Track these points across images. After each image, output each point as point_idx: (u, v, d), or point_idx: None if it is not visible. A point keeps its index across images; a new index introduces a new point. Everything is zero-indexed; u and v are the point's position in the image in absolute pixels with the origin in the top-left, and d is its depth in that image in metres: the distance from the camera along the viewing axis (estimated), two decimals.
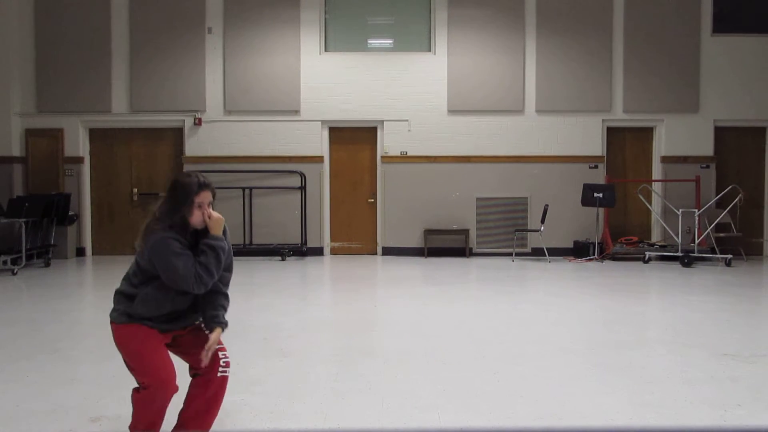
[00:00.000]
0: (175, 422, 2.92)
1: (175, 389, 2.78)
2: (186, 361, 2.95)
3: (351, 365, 4.30)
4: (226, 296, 2.97)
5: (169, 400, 2.79)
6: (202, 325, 2.96)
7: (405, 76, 10.54)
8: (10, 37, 10.24)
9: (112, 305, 2.88)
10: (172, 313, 2.85)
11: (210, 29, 10.45)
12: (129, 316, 2.79)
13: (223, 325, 2.89)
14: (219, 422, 3.08)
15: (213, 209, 2.88)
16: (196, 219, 2.82)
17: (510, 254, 10.44)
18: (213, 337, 2.83)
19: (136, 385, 2.83)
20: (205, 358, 2.80)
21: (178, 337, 2.93)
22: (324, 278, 8.71)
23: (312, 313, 6.25)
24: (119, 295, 2.87)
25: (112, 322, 2.84)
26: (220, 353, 2.89)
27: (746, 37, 10.59)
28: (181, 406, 2.91)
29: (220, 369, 2.88)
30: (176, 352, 2.94)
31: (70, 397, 3.66)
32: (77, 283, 8.35)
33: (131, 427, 2.85)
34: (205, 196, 2.83)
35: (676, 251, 9.66)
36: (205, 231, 2.87)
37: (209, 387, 2.87)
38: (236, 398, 3.55)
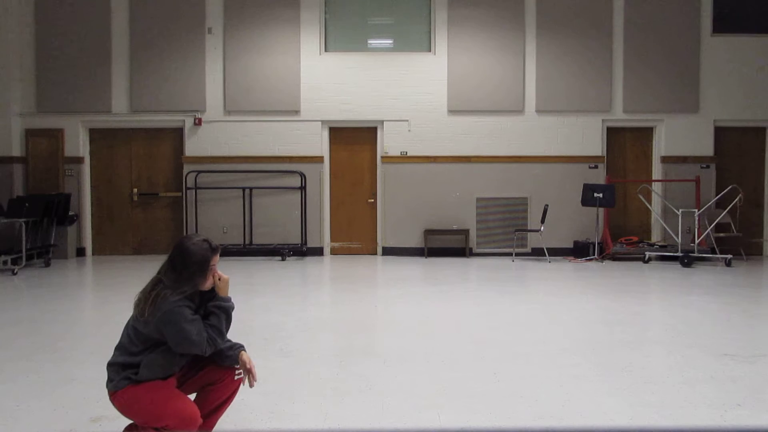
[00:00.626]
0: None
1: (200, 422, 2.74)
2: (198, 391, 2.92)
3: (351, 365, 4.30)
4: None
5: None
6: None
7: (405, 76, 10.54)
8: (11, 37, 10.23)
9: (109, 354, 2.76)
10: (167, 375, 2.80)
11: (210, 29, 10.45)
12: (130, 380, 2.68)
13: (242, 347, 2.90)
14: (219, 422, 3.07)
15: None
16: (208, 284, 2.79)
17: (510, 254, 10.44)
18: (245, 358, 2.84)
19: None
20: (252, 380, 2.83)
21: (178, 378, 2.88)
22: (324, 278, 8.71)
23: (312, 313, 6.26)
24: (116, 366, 2.72)
25: (113, 392, 2.71)
26: None
27: (746, 37, 10.59)
28: None
29: (236, 372, 2.89)
30: (185, 391, 2.87)
31: (70, 397, 3.66)
32: (77, 283, 8.35)
33: None
34: (216, 260, 2.79)
35: (676, 251, 9.66)
36: (209, 291, 2.83)
37: (225, 391, 2.88)
38: (236, 398, 3.54)
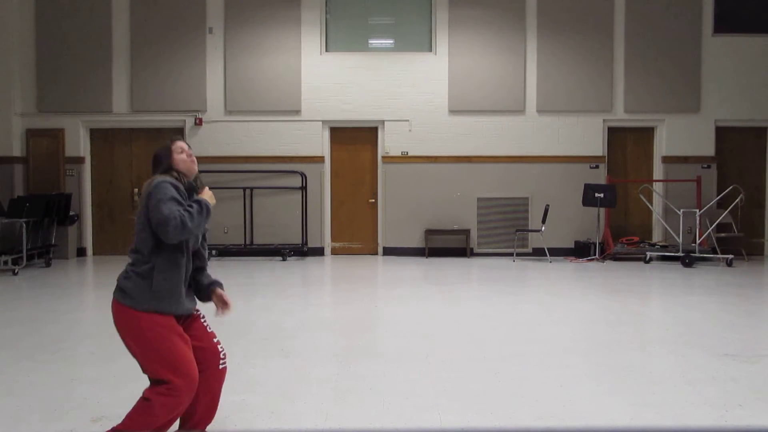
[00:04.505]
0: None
1: (196, 384, 2.73)
2: None
3: (351, 365, 4.30)
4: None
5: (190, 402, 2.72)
6: (199, 315, 2.95)
7: (406, 76, 10.54)
8: (11, 37, 10.24)
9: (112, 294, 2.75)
10: (183, 288, 2.80)
11: (211, 29, 10.45)
12: (148, 303, 2.68)
13: (220, 284, 3.03)
14: (219, 422, 3.08)
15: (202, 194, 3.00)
16: (182, 164, 2.92)
17: (511, 254, 10.44)
18: (220, 293, 2.97)
19: (149, 388, 2.67)
20: (225, 309, 2.96)
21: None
22: (325, 278, 8.70)
23: (312, 313, 6.25)
24: (135, 277, 2.73)
25: (131, 308, 2.67)
26: (218, 346, 2.91)
27: (747, 37, 10.58)
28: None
29: (221, 362, 2.89)
30: None
31: (70, 397, 3.66)
32: (78, 283, 8.35)
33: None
34: (182, 144, 2.95)
35: (677, 251, 9.64)
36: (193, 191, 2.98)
37: (215, 383, 2.87)
38: (236, 398, 3.55)
